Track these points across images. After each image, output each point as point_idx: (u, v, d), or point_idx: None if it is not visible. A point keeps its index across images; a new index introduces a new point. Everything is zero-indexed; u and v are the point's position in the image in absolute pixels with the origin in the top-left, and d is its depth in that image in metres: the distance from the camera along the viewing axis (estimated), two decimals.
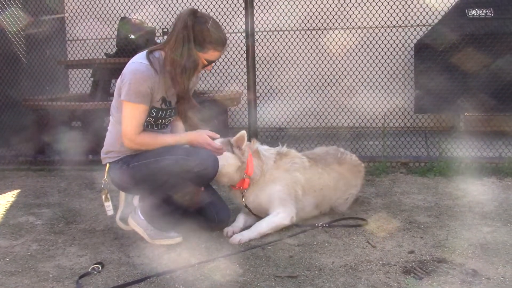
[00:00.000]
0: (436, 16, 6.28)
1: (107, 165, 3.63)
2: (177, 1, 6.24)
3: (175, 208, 3.56)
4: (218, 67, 6.24)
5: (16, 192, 5.00)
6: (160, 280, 2.96)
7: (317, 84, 6.38)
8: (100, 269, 3.11)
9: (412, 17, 5.96)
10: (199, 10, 3.48)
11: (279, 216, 3.64)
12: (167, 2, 6.29)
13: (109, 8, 6.59)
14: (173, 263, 3.20)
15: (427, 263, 3.07)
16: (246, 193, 3.71)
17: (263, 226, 3.60)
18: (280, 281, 2.91)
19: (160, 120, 3.56)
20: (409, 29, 6.29)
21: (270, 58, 6.31)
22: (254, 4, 5.73)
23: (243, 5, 5.66)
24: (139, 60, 3.43)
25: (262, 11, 6.19)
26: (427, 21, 6.07)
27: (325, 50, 6.38)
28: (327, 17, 6.14)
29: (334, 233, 3.61)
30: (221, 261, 3.19)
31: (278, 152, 3.88)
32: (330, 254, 3.26)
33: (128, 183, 3.54)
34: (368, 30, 6.59)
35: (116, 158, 3.57)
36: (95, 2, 6.73)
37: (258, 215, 3.74)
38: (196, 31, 3.34)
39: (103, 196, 3.67)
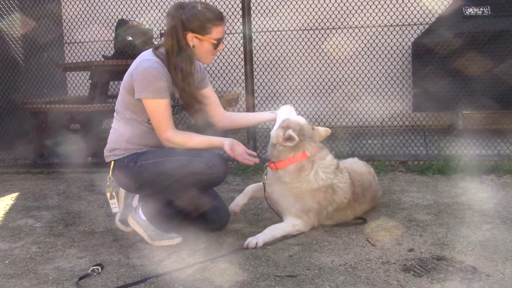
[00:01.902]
0: (433, 15, 6.28)
1: (112, 163, 3.61)
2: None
3: (177, 209, 3.56)
4: (216, 68, 6.25)
5: (15, 195, 5.00)
6: (160, 281, 2.95)
7: (314, 83, 6.39)
8: (99, 270, 3.10)
9: (409, 16, 5.97)
10: (185, 0, 3.50)
11: (295, 229, 3.56)
12: (164, 4, 6.29)
13: (107, 10, 6.59)
14: (172, 264, 3.20)
15: (426, 261, 3.07)
16: (267, 183, 3.68)
17: (277, 232, 3.52)
18: (280, 280, 2.91)
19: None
20: (406, 27, 6.29)
21: (268, 58, 6.31)
22: (254, 7, 5.76)
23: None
24: (148, 57, 3.44)
25: (259, 12, 6.18)
26: (424, 19, 6.07)
27: (322, 50, 6.38)
28: (324, 16, 6.15)
29: (334, 232, 3.61)
30: (220, 262, 3.19)
31: (336, 170, 3.63)
32: (329, 253, 3.26)
33: (135, 181, 3.52)
34: (365, 30, 6.59)
35: (122, 156, 3.55)
36: (92, 5, 6.74)
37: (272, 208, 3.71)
38: (190, 19, 3.37)
39: (108, 194, 3.66)
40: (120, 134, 3.56)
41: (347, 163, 3.99)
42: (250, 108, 5.67)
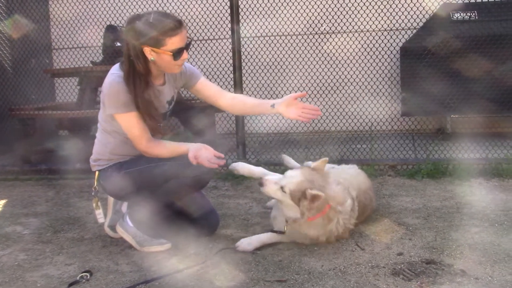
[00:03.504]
0: (421, 20, 6.32)
1: (96, 172, 3.62)
2: (162, 8, 6.23)
3: (165, 214, 3.56)
4: (205, 72, 6.24)
5: (3, 202, 4.96)
6: (149, 287, 2.94)
7: (303, 88, 6.40)
8: (88, 277, 3.09)
9: (397, 21, 6.00)
10: (140, 14, 3.36)
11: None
12: (152, 9, 6.29)
13: (95, 16, 6.57)
14: (162, 269, 3.19)
15: (415, 265, 3.08)
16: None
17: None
18: (269, 285, 2.91)
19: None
20: (394, 32, 6.32)
21: (257, 63, 6.32)
22: (243, 12, 5.77)
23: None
24: (113, 71, 3.39)
25: (248, 17, 6.19)
26: (412, 24, 6.10)
27: (311, 55, 6.39)
28: (313, 22, 6.17)
29: None
30: (210, 267, 3.18)
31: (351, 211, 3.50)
32: (319, 258, 3.26)
33: (120, 189, 3.52)
34: (353, 35, 6.61)
35: (106, 166, 3.56)
36: (80, 11, 6.72)
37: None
38: (144, 33, 3.23)
39: (94, 204, 3.65)
40: (103, 145, 3.56)
41: (351, 176, 3.86)
42: (239, 117, 5.64)
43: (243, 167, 3.80)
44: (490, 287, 2.76)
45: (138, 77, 3.32)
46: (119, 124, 3.41)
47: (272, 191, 3.35)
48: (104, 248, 3.63)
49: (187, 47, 3.36)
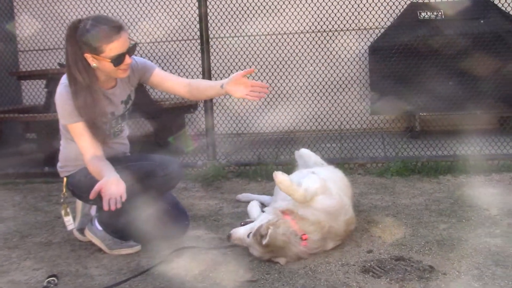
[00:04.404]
0: (388, 19, 6.38)
1: (65, 178, 3.57)
2: (129, 8, 6.19)
3: (134, 216, 3.52)
4: (174, 73, 6.21)
5: None
6: None
7: (272, 88, 6.41)
8: (56, 281, 3.04)
9: (365, 20, 6.05)
10: (81, 19, 3.28)
11: None
12: (117, 8, 6.23)
13: (61, 17, 6.49)
14: (132, 272, 3.16)
15: (385, 262, 3.10)
16: None
17: None
18: (240, 285, 2.90)
19: (108, 131, 3.50)
20: (362, 31, 6.37)
21: (226, 64, 6.31)
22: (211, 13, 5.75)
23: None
24: (62, 81, 3.35)
25: (216, 18, 6.18)
26: (379, 23, 6.16)
27: (280, 55, 6.40)
28: (282, 22, 6.19)
29: None
30: (181, 268, 3.16)
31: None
32: None
33: (88, 194, 3.47)
34: (322, 34, 6.64)
35: (73, 171, 3.52)
36: (47, 12, 6.63)
37: None
38: (83, 40, 3.17)
39: (63, 211, 3.59)
40: (68, 152, 3.53)
41: (340, 181, 3.71)
42: (208, 110, 5.62)
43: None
44: (458, 282, 2.79)
45: (80, 85, 3.25)
46: None
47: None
48: (73, 252, 3.58)
49: (129, 51, 3.27)
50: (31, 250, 3.66)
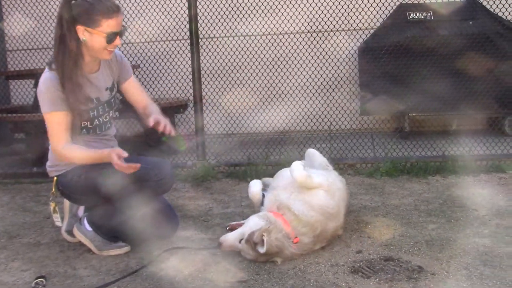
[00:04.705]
0: (377, 20, 6.40)
1: (55, 178, 3.54)
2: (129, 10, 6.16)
3: (124, 217, 3.50)
4: (163, 74, 6.20)
5: None
6: None
7: (262, 89, 6.41)
8: (44, 282, 3.02)
9: (354, 21, 6.06)
10: None
11: None
12: None
13: (50, 17, 6.45)
14: (121, 273, 3.15)
15: (374, 262, 3.11)
16: None
17: None
18: (229, 286, 2.89)
19: (97, 120, 3.48)
20: (351, 32, 6.39)
21: (216, 64, 6.30)
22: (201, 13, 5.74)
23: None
24: (47, 70, 3.35)
25: (205, 18, 6.18)
26: (369, 24, 6.18)
27: (268, 55, 6.39)
28: (271, 22, 6.18)
29: None
30: (170, 269, 3.16)
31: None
32: None
33: (80, 194, 3.47)
34: (312, 35, 6.65)
35: (64, 171, 3.48)
36: (35, 12, 6.59)
37: None
38: (80, 11, 3.19)
39: (52, 208, 3.59)
40: None
41: (342, 190, 3.62)
42: (198, 110, 5.60)
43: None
44: (446, 282, 2.81)
45: (68, 55, 3.26)
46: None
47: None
48: (62, 253, 3.57)
49: (121, 34, 3.33)
50: (19, 251, 3.64)
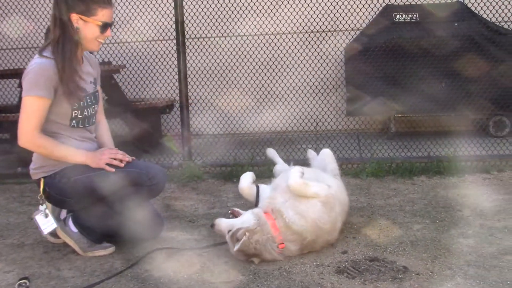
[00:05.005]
0: (364, 21, 6.43)
1: (42, 180, 3.43)
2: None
3: (109, 217, 3.48)
4: (149, 74, 6.18)
5: None
6: None
7: (248, 89, 6.40)
8: (28, 284, 3.00)
9: (340, 22, 6.08)
10: None
11: None
12: None
13: (35, 16, 6.42)
14: (105, 273, 3.13)
15: (359, 263, 3.12)
16: None
17: None
18: (215, 287, 2.89)
19: (86, 111, 3.44)
20: (338, 33, 6.41)
21: (202, 64, 6.29)
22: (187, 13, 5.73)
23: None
24: (37, 56, 3.32)
25: (192, 19, 6.16)
26: (355, 25, 6.20)
27: (256, 56, 6.39)
28: (258, 23, 6.19)
29: None
30: (155, 269, 3.14)
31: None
32: None
33: (69, 197, 3.40)
34: (298, 35, 6.66)
35: (52, 172, 3.40)
36: (19, 11, 6.54)
37: None
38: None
39: (43, 213, 3.48)
40: None
41: (343, 205, 3.57)
42: (184, 111, 5.59)
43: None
44: (431, 282, 2.82)
45: (69, 41, 3.29)
46: (55, 123, 3.34)
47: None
48: (46, 254, 3.54)
49: (111, 25, 3.42)
50: (3, 252, 3.60)
